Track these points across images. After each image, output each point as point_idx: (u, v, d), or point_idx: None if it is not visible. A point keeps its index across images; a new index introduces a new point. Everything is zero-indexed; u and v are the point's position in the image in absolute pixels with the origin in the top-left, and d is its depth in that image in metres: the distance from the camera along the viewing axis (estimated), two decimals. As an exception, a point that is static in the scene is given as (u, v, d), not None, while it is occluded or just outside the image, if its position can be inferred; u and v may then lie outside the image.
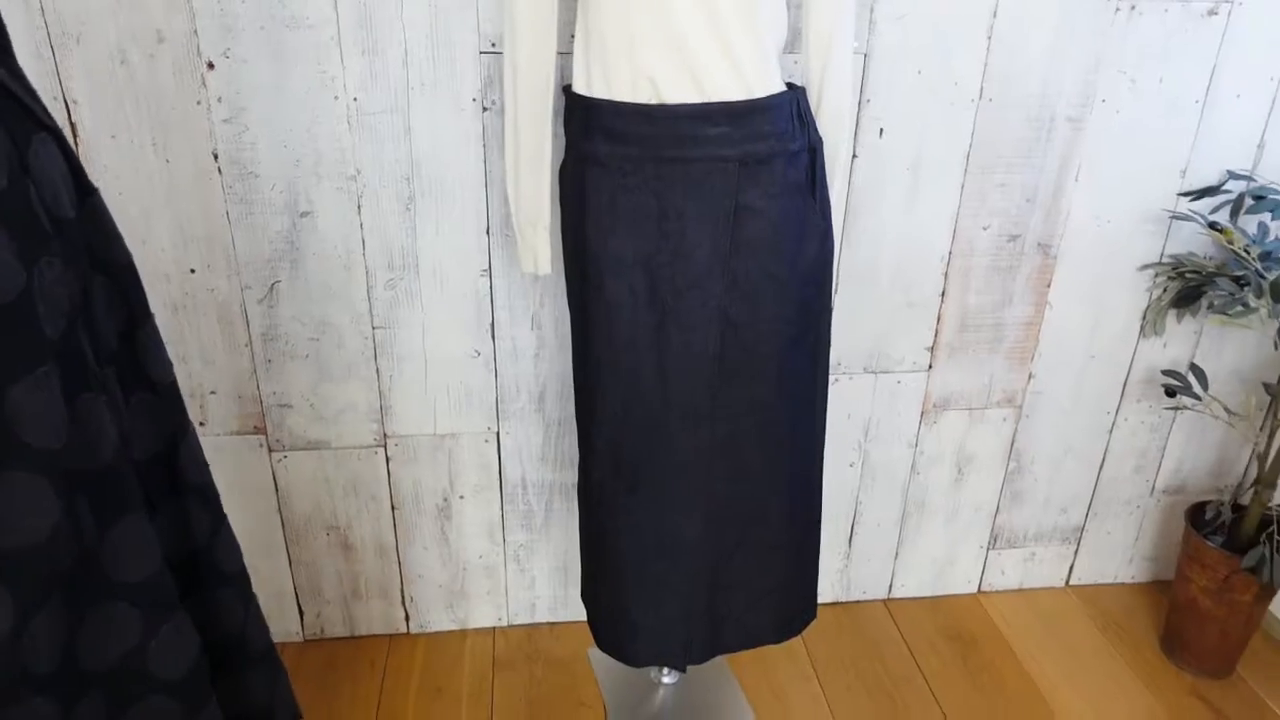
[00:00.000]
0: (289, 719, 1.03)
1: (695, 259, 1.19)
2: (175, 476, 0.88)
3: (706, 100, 1.13)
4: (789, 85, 1.21)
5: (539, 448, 1.75)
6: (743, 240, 1.19)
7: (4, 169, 0.67)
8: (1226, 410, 1.80)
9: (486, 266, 1.58)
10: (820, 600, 1.98)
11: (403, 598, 1.86)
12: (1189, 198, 1.68)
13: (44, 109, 0.76)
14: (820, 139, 1.24)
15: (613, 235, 1.20)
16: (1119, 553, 2.04)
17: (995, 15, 1.50)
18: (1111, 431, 1.90)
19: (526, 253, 1.38)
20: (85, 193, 0.79)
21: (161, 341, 0.88)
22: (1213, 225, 1.65)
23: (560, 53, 1.25)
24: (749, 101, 1.14)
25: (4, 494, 0.67)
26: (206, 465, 0.94)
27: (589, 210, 1.21)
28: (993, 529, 1.98)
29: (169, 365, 0.89)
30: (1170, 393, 1.77)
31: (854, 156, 1.58)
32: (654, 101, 1.14)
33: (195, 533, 0.91)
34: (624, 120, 1.15)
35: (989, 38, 1.52)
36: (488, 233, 1.56)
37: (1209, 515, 1.78)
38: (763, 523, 1.36)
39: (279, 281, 1.55)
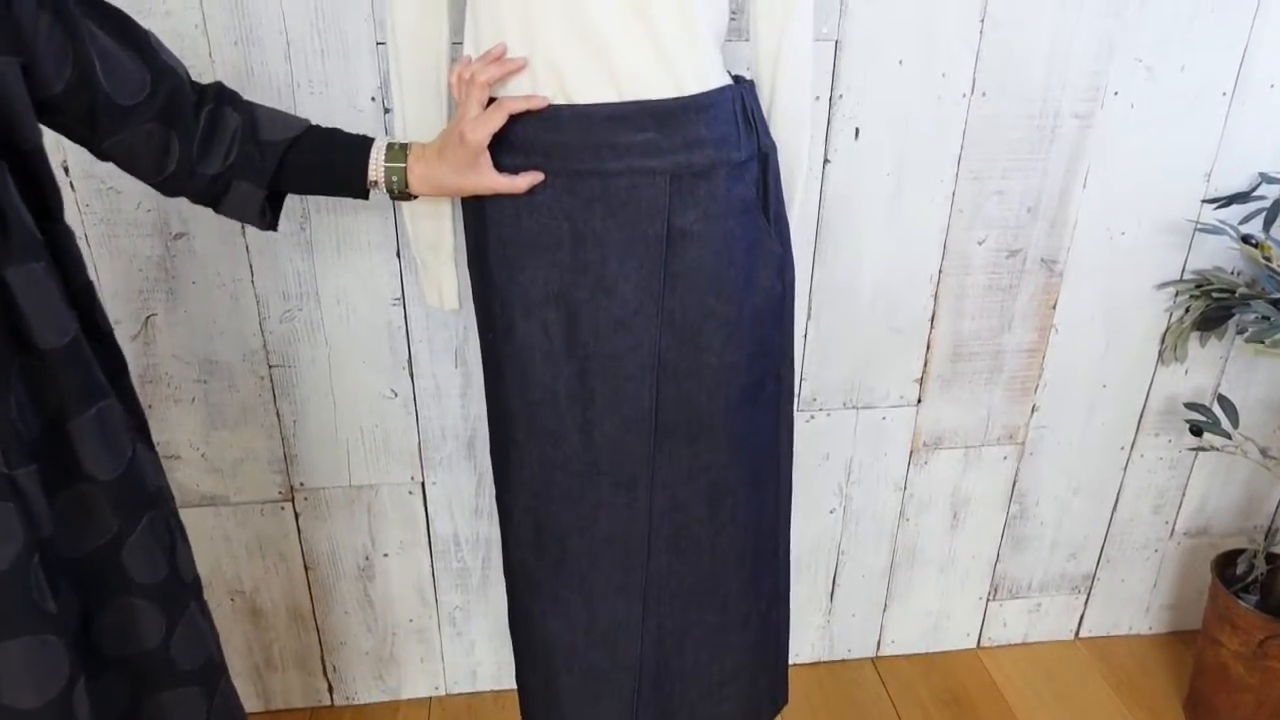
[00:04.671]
0: None
1: (620, 294, 0.96)
2: (119, 574, 0.82)
3: (625, 99, 0.90)
4: (735, 79, 0.99)
5: (471, 498, 1.53)
6: (679, 271, 0.96)
7: None
8: (1262, 452, 1.58)
9: (399, 294, 1.36)
10: (799, 660, 1.77)
11: (324, 667, 1.64)
12: (1215, 205, 1.47)
13: None
14: (774, 145, 1.02)
15: (519, 267, 0.97)
16: (1135, 602, 1.83)
17: (989, -5, 1.29)
18: (1126, 469, 1.69)
19: (429, 284, 1.15)
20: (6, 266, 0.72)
21: (111, 429, 0.79)
22: (1245, 239, 1.44)
23: (455, 42, 1.03)
24: (679, 100, 0.91)
25: None
26: (166, 560, 0.86)
27: (489, 236, 0.98)
28: (993, 578, 1.76)
29: (117, 457, 0.80)
30: (1196, 431, 1.54)
31: (826, 161, 1.36)
32: (561, 101, 0.92)
33: (144, 633, 0.85)
34: (526, 125, 0.93)
35: (982, 21, 1.31)
36: (398, 255, 1.34)
37: (1240, 569, 1.56)
38: (716, 603, 1.14)
39: (154, 315, 1.33)
